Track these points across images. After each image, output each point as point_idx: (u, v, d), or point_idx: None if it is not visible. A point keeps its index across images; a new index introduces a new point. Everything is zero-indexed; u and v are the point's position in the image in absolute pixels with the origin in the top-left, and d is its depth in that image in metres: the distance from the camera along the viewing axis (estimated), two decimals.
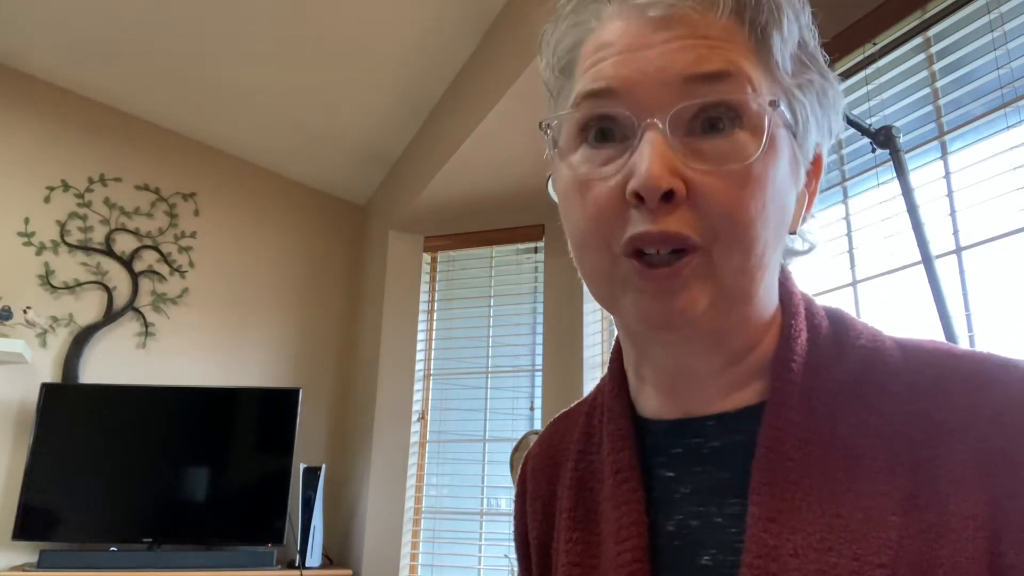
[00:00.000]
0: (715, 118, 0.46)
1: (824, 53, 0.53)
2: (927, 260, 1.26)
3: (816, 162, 0.54)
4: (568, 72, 0.53)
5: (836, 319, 0.54)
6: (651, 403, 0.56)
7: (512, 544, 2.73)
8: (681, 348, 0.51)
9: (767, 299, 0.52)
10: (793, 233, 0.54)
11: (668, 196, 0.45)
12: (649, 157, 0.45)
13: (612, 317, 0.56)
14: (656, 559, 0.50)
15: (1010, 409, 0.44)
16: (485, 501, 2.67)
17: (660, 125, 0.46)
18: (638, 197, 0.45)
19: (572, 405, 0.67)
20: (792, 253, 0.57)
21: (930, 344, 0.50)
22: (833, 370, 0.50)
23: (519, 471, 0.68)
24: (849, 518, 0.44)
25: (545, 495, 0.63)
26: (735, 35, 0.47)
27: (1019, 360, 0.46)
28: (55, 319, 2.77)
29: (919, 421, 0.46)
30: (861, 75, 1.62)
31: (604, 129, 0.49)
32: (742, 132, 0.46)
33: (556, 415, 0.68)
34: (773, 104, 0.47)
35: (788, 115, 0.49)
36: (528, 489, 0.65)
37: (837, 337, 0.52)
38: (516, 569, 0.69)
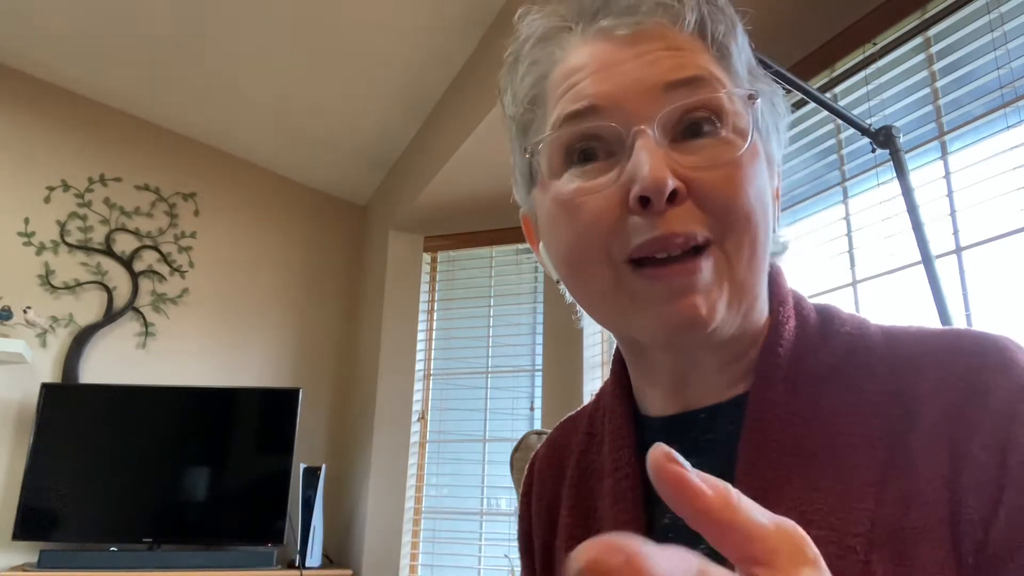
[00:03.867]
0: (698, 122, 0.48)
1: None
2: (927, 260, 1.26)
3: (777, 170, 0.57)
4: (539, 102, 0.53)
5: (823, 311, 0.55)
6: (654, 402, 0.56)
7: (512, 544, 2.71)
8: (690, 352, 0.52)
9: (764, 299, 0.53)
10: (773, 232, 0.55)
11: (672, 197, 0.45)
12: (649, 160, 0.45)
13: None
14: None
15: (975, 371, 0.45)
16: (485, 501, 2.67)
17: (649, 131, 0.46)
18: (642, 202, 0.45)
19: (578, 409, 0.68)
20: (772, 254, 0.58)
21: (914, 328, 0.51)
22: (818, 355, 0.51)
23: (525, 471, 0.69)
24: (828, 491, 0.45)
25: (550, 496, 0.64)
26: (699, 47, 0.50)
27: (994, 333, 0.48)
28: (55, 319, 2.77)
29: (896, 399, 0.47)
30: (861, 75, 1.62)
31: (587, 150, 0.49)
32: (724, 131, 0.48)
33: (562, 418, 0.69)
34: (752, 98, 0.49)
35: (758, 116, 0.51)
36: (534, 490, 0.66)
37: (824, 326, 0.53)
38: (516, 569, 0.69)
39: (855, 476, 0.45)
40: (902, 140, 1.39)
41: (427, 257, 3.03)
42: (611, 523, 0.53)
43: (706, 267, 0.46)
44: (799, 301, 0.55)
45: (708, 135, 0.48)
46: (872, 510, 0.44)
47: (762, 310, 0.53)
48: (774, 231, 0.55)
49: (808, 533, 0.43)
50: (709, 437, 0.52)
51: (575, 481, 0.59)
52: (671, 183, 0.45)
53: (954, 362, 0.46)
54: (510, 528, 2.58)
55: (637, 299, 0.48)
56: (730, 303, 0.48)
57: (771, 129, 0.53)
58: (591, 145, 0.49)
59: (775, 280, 0.55)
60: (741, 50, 0.52)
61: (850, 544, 0.43)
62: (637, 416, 0.57)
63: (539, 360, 2.69)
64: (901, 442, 0.45)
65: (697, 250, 0.46)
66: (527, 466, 0.69)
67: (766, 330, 0.53)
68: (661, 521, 0.52)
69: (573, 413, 0.68)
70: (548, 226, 0.52)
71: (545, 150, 0.51)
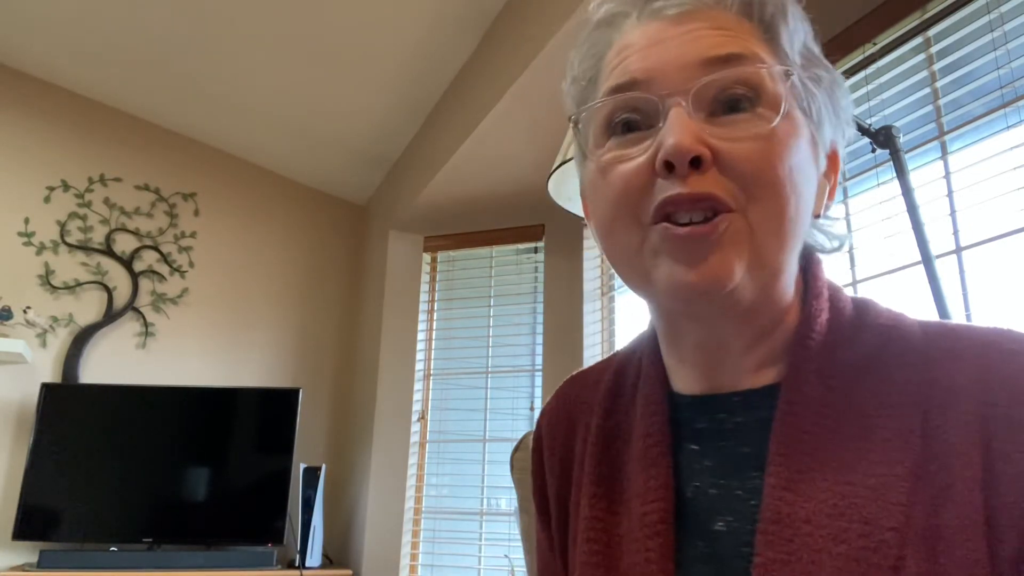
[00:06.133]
0: (734, 98, 0.49)
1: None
2: (927, 260, 1.26)
3: (833, 156, 0.57)
4: (594, 80, 0.56)
5: (860, 303, 0.55)
6: (684, 378, 0.57)
7: (511, 544, 2.70)
8: (714, 323, 0.52)
9: (791, 276, 0.54)
10: (817, 216, 0.55)
11: (696, 163, 0.47)
12: (676, 128, 0.47)
13: (645, 304, 0.57)
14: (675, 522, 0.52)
15: (1019, 375, 0.45)
16: (485, 501, 2.67)
17: (683, 103, 0.48)
18: (667, 166, 0.47)
19: (590, 366, 0.68)
20: (821, 250, 0.59)
21: (952, 323, 0.51)
22: (851, 347, 0.51)
23: (534, 427, 0.69)
24: (861, 485, 0.45)
25: (561, 450, 0.64)
26: (745, 26, 0.51)
27: None
28: (55, 319, 2.77)
29: (932, 389, 0.47)
30: (861, 75, 1.62)
31: (630, 121, 0.51)
32: (761, 107, 0.49)
33: (570, 374, 0.69)
34: (787, 73, 0.50)
35: (803, 97, 0.51)
36: (544, 444, 0.67)
37: (858, 318, 0.54)
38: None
39: (888, 470, 0.45)
40: (902, 140, 1.38)
41: (427, 257, 3.03)
42: (641, 488, 0.54)
43: (724, 227, 0.47)
44: (835, 293, 0.56)
45: (744, 111, 0.49)
46: (905, 505, 0.44)
47: (788, 288, 0.53)
48: (818, 217, 0.55)
49: (839, 525, 0.44)
50: (738, 421, 0.53)
51: (599, 440, 0.59)
52: (695, 149, 0.46)
53: (995, 358, 0.46)
54: (510, 528, 2.58)
55: (658, 257, 0.49)
56: (750, 268, 0.48)
57: (825, 114, 0.54)
58: (632, 117, 0.51)
59: (812, 272, 0.56)
60: (793, 32, 0.52)
61: (883, 538, 0.43)
62: (669, 391, 0.58)
63: (539, 360, 2.69)
64: (935, 435, 0.45)
65: (715, 215, 0.48)
66: (535, 422, 0.69)
67: (798, 321, 0.53)
68: (684, 493, 0.53)
69: (584, 369, 0.68)
70: (590, 194, 0.55)
71: (589, 120, 0.54)
